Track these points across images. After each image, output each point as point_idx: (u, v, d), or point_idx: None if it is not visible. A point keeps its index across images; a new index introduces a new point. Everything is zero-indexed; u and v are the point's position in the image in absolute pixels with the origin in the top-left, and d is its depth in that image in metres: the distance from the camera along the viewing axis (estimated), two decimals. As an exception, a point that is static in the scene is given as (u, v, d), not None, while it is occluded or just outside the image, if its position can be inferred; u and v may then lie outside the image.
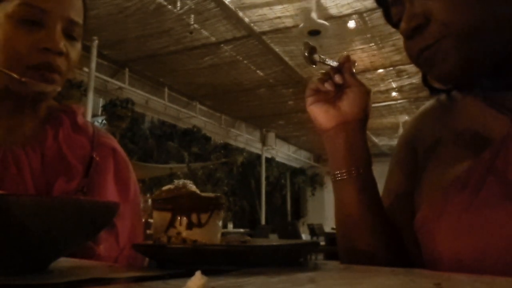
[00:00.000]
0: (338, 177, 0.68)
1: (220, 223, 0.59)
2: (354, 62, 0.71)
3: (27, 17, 0.79)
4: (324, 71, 0.71)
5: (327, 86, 0.70)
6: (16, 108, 0.86)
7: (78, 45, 0.86)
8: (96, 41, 5.12)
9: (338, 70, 0.70)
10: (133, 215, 0.89)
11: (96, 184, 0.86)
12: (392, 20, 0.66)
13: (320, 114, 0.70)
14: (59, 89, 0.83)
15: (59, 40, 0.80)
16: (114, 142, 0.95)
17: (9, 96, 0.83)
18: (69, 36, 0.83)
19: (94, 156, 0.88)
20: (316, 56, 0.70)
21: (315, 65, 0.70)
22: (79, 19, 0.84)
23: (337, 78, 0.69)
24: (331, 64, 0.70)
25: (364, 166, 0.68)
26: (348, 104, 0.69)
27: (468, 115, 0.64)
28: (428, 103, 0.74)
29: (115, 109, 5.90)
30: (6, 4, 0.79)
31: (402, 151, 0.74)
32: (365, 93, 0.69)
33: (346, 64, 0.70)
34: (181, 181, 0.59)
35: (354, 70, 0.70)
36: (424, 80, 0.71)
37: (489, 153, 0.56)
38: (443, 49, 0.57)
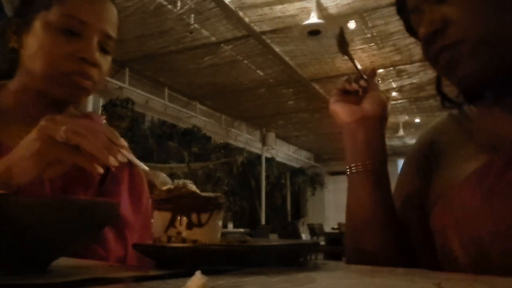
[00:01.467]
0: (354, 169, 0.70)
1: (220, 223, 0.59)
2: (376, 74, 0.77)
3: (67, 27, 0.83)
4: (347, 77, 0.77)
5: (354, 86, 0.74)
6: (38, 114, 0.87)
7: (109, 58, 0.90)
8: (96, 41, 5.11)
9: (362, 77, 0.75)
10: (143, 228, 0.90)
11: (110, 194, 0.88)
12: (412, 29, 0.69)
13: (343, 110, 0.74)
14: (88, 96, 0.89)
15: (95, 51, 0.84)
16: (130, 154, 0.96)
17: (35, 101, 0.86)
18: (103, 49, 0.87)
19: (110, 167, 0.90)
20: (348, 49, 0.77)
21: (344, 55, 0.77)
22: (113, 33, 0.88)
23: (362, 82, 0.74)
24: (355, 62, 0.76)
25: (380, 162, 0.70)
26: (369, 103, 0.73)
27: (482, 122, 0.66)
28: (440, 118, 0.77)
29: (115, 109, 5.89)
30: (47, 13, 0.83)
31: (414, 157, 0.76)
32: (385, 98, 0.74)
33: (371, 73, 0.76)
34: (181, 181, 0.59)
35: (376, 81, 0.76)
36: (438, 87, 0.74)
37: (508, 149, 0.57)
38: (461, 53, 0.59)
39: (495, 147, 0.59)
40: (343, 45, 0.77)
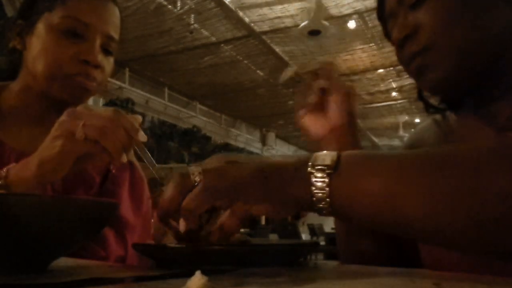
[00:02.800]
0: None
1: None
2: (334, 68, 0.73)
3: (70, 29, 0.83)
4: (303, 84, 0.73)
5: (310, 99, 0.72)
6: (41, 115, 0.88)
7: (112, 60, 0.90)
8: (96, 41, 5.12)
9: (316, 76, 0.72)
10: (143, 229, 0.91)
11: (110, 195, 0.88)
12: (389, 35, 0.69)
13: (311, 126, 0.73)
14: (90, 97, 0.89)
15: (97, 53, 0.84)
16: (132, 157, 0.97)
17: (38, 102, 0.87)
18: (106, 51, 0.87)
19: (111, 168, 0.91)
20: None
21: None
22: (116, 35, 0.89)
23: (322, 83, 0.71)
24: (311, 68, 0.73)
25: None
26: (333, 109, 0.70)
27: (461, 131, 0.66)
28: (425, 122, 0.77)
29: (115, 109, 5.90)
30: (50, 16, 0.84)
31: None
32: (348, 95, 0.71)
33: (322, 72, 0.72)
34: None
35: (335, 74, 0.72)
36: (419, 95, 0.74)
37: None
38: (430, 60, 0.60)
39: None
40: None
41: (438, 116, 0.73)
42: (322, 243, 6.76)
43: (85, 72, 0.83)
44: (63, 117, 0.63)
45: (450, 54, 0.58)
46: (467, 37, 0.58)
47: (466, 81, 0.60)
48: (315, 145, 0.73)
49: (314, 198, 0.42)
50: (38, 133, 0.87)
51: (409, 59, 0.62)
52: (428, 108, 0.73)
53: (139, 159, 0.76)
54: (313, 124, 0.72)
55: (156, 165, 0.69)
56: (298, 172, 0.44)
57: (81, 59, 0.82)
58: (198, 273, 0.33)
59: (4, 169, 0.65)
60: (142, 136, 0.63)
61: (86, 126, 0.60)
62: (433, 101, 0.72)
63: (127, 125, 0.61)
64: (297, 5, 4.64)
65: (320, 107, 0.72)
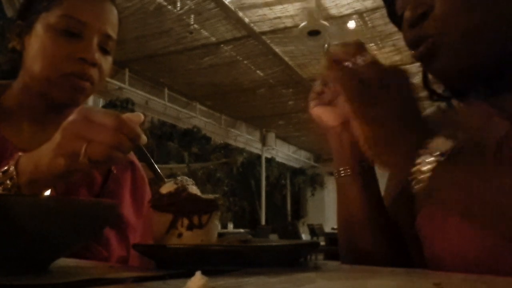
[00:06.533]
0: (342, 173, 0.69)
1: (217, 223, 0.60)
2: None
3: (67, 29, 0.83)
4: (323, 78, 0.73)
5: (332, 88, 0.70)
6: (41, 114, 0.89)
7: (110, 59, 0.90)
8: (96, 41, 5.12)
9: None
10: (144, 229, 0.91)
11: (112, 195, 0.88)
12: (395, 17, 0.66)
13: (325, 113, 0.71)
14: (88, 97, 0.89)
15: (94, 51, 0.84)
16: (133, 157, 0.97)
17: (37, 102, 0.87)
18: (103, 49, 0.87)
19: (112, 168, 0.91)
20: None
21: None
22: (113, 33, 0.88)
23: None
24: None
25: (368, 163, 0.69)
26: None
27: (467, 121, 0.65)
28: (429, 110, 0.75)
29: (115, 110, 5.91)
30: (47, 15, 0.84)
31: None
32: None
33: None
34: (179, 178, 0.60)
35: None
36: (425, 82, 0.71)
37: (487, 155, 0.56)
38: (445, 43, 0.57)
39: (478, 151, 0.58)
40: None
41: (442, 104, 0.72)
42: (322, 243, 6.76)
43: (81, 70, 0.83)
44: (63, 133, 0.61)
45: (463, 40, 0.56)
46: (483, 23, 0.56)
47: (479, 68, 0.58)
48: (320, 135, 0.73)
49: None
50: (39, 131, 0.88)
51: (420, 40, 0.60)
52: (432, 96, 0.72)
53: (140, 159, 0.76)
54: (326, 112, 0.71)
55: (155, 165, 0.68)
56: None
57: (78, 57, 0.82)
58: (198, 273, 0.33)
59: (11, 167, 0.64)
60: (143, 140, 0.62)
61: (90, 147, 0.58)
62: (437, 89, 0.70)
63: (131, 134, 0.60)
64: (297, 5, 4.64)
65: (334, 102, 0.71)
